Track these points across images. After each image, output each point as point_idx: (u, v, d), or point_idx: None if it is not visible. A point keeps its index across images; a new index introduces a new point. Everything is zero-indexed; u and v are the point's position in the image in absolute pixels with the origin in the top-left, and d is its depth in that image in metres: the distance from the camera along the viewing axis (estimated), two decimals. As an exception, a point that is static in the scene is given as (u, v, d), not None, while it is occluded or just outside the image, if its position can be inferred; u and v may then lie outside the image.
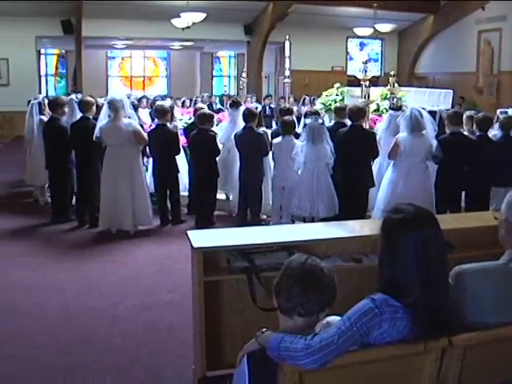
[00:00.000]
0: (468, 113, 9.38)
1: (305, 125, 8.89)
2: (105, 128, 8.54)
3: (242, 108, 10.15)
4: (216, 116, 10.33)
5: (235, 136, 9.17)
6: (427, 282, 2.65)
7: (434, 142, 8.01)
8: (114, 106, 8.52)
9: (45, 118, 10.42)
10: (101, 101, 10.20)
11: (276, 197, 9.03)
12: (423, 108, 8.63)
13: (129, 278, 7.02)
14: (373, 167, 8.91)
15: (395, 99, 11.82)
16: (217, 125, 10.30)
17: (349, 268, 4.32)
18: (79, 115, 9.34)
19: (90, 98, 9.60)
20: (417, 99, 12.63)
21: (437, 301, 2.67)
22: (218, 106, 18.67)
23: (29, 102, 11.85)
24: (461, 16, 22.07)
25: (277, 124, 11.65)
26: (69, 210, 9.56)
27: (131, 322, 5.75)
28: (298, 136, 8.82)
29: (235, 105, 10.63)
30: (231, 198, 10.18)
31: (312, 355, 2.50)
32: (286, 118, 9.19)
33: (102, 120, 8.61)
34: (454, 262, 2.96)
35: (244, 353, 2.83)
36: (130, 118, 8.74)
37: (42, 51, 26.18)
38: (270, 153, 9.05)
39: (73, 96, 12.07)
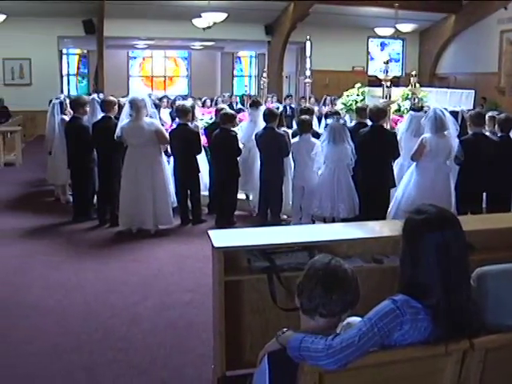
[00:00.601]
0: (490, 113, 9.31)
1: (326, 125, 8.86)
2: (126, 127, 8.57)
3: (263, 108, 10.15)
4: (237, 116, 10.32)
5: (256, 136, 9.17)
6: (448, 283, 2.65)
7: (456, 142, 7.96)
8: (136, 106, 8.55)
9: (66, 118, 10.47)
10: (123, 100, 10.24)
11: (296, 197, 9.03)
12: (445, 108, 8.58)
13: (149, 277, 7.05)
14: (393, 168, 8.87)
15: (416, 99, 11.76)
16: (237, 125, 10.30)
17: (369, 268, 4.32)
18: (101, 115, 9.39)
19: (112, 98, 9.65)
20: (438, 99, 12.55)
21: (458, 302, 2.66)
22: (239, 105, 18.67)
23: (50, 101, 11.93)
24: (483, 16, 21.90)
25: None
26: (90, 209, 9.61)
27: (151, 321, 5.77)
28: (318, 136, 8.81)
29: (255, 104, 10.64)
30: (251, 197, 10.18)
31: (333, 356, 2.51)
32: (302, 116, 9.18)
33: (124, 119, 8.65)
34: (476, 264, 2.94)
35: (264, 352, 2.83)
36: (151, 117, 8.77)
37: (64, 51, 26.36)
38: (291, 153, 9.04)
39: (94, 95, 12.13)
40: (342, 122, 8.85)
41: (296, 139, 8.89)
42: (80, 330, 5.54)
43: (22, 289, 6.64)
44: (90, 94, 15.10)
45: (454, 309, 2.64)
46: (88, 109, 9.65)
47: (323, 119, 10.92)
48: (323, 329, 2.72)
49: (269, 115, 9.03)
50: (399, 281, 2.77)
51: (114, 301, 6.29)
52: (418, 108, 9.99)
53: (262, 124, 9.31)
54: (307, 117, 9.14)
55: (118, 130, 8.62)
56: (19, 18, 19.88)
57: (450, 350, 2.66)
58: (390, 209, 8.38)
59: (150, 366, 4.88)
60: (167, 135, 8.90)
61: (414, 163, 8.22)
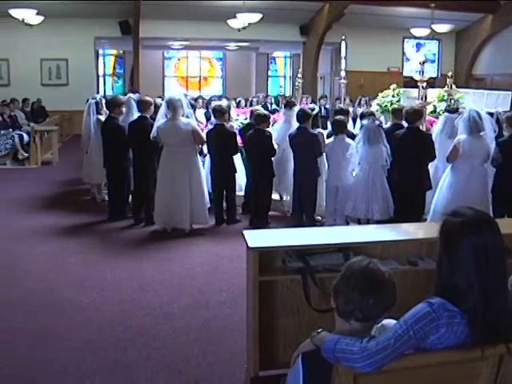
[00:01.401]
0: (527, 115, 9.18)
1: (361, 126, 8.82)
2: (163, 127, 8.61)
3: (297, 108, 10.14)
4: (272, 116, 10.33)
5: (289, 136, 9.15)
6: (486, 286, 2.61)
7: (493, 144, 7.87)
8: (173, 105, 8.59)
9: (102, 118, 10.56)
10: (159, 101, 10.28)
11: (330, 198, 9.00)
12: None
13: (183, 277, 7.08)
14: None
15: (452, 101, 11.64)
16: (272, 125, 10.30)
17: (404, 271, 4.29)
18: (137, 114, 9.45)
19: (148, 98, 9.67)
20: (475, 101, 12.39)
21: (495, 305, 2.63)
22: (274, 106, 18.67)
23: (87, 101, 12.04)
24: (521, 16, 21.62)
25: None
26: (125, 208, 9.69)
27: (185, 320, 5.80)
28: (353, 137, 8.77)
29: (289, 105, 10.65)
30: (285, 198, 10.17)
31: (368, 358, 2.50)
32: (337, 117, 9.16)
33: (160, 119, 8.70)
34: (512, 268, 2.91)
35: (298, 353, 2.83)
36: (188, 117, 8.80)
37: (100, 52, 26.63)
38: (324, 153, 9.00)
39: (131, 95, 12.22)
40: (377, 122, 8.80)
41: (331, 140, 8.87)
42: (114, 328, 5.60)
43: (58, 286, 6.72)
44: (125, 94, 15.21)
45: (490, 311, 2.61)
46: (124, 109, 9.73)
47: (358, 120, 10.86)
48: (358, 331, 2.70)
49: (302, 116, 9.01)
50: (436, 283, 2.74)
51: (149, 299, 6.33)
52: (452, 109, 9.89)
53: (296, 124, 9.29)
54: (342, 117, 9.12)
55: (154, 130, 8.68)
56: (56, 19, 20.15)
57: (487, 354, 2.63)
58: (430, 211, 8.30)
59: (183, 364, 4.90)
60: (203, 135, 8.94)
61: (450, 165, 8.15)
